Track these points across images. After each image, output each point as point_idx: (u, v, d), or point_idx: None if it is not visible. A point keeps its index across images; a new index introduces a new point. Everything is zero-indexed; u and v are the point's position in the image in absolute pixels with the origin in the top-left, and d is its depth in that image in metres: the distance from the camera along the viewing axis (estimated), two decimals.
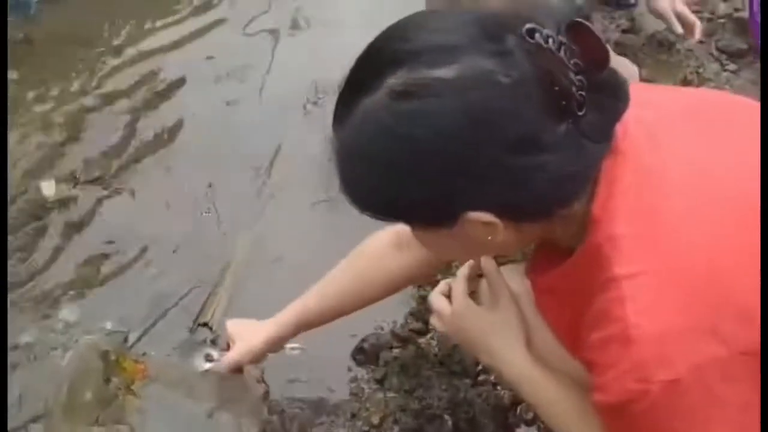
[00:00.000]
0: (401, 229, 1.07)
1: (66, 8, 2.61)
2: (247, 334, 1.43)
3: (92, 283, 1.79)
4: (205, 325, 1.70)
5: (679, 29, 2.14)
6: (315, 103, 2.27)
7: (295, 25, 2.61)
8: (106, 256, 1.85)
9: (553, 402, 1.05)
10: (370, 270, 1.34)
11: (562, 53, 0.77)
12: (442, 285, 1.16)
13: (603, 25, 2.42)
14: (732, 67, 2.31)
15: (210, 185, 2.02)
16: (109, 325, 1.67)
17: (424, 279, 1.56)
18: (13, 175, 2.00)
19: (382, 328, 1.67)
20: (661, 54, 2.35)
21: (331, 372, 1.61)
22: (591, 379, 0.86)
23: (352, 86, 0.82)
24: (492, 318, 1.09)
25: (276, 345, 1.43)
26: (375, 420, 1.50)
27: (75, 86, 2.31)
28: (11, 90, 2.27)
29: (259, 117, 2.25)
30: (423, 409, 1.50)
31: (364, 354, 1.63)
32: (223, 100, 2.31)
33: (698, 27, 2.14)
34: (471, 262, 1.13)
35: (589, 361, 0.86)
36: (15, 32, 2.44)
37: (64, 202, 1.96)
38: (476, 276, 1.14)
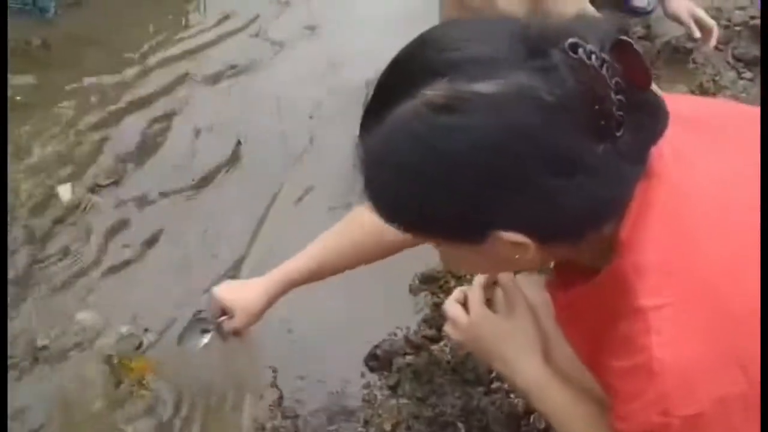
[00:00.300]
0: None
1: (85, 12, 2.62)
2: (241, 300, 1.44)
3: (110, 287, 1.80)
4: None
5: (697, 33, 2.13)
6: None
7: (309, 30, 2.62)
8: (125, 260, 1.86)
9: (565, 411, 1.05)
10: (367, 243, 1.34)
11: (604, 70, 0.74)
12: (457, 293, 1.16)
13: None
14: (748, 74, 2.30)
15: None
16: (124, 330, 1.68)
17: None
18: (29, 179, 2.01)
19: (395, 335, 1.68)
20: (677, 62, 2.34)
21: (345, 378, 1.61)
22: (611, 403, 0.86)
23: (384, 93, 0.80)
24: (507, 326, 1.10)
25: (270, 303, 1.44)
26: (387, 426, 1.51)
27: (93, 91, 2.32)
28: (28, 94, 2.28)
29: (276, 122, 2.25)
30: (436, 417, 1.50)
31: (378, 360, 1.63)
32: (239, 105, 2.31)
33: (716, 31, 2.13)
34: None
35: (611, 387, 0.86)
36: (33, 36, 2.46)
37: (80, 206, 1.97)
38: (491, 284, 1.14)
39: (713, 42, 2.14)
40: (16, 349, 1.65)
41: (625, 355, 0.82)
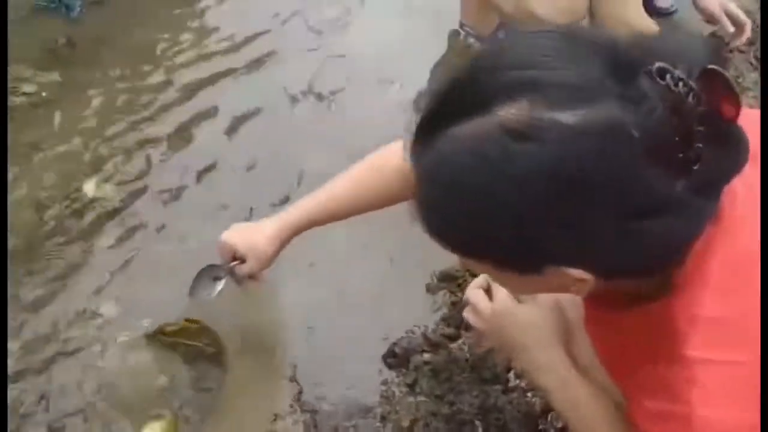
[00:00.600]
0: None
1: (110, 11, 2.64)
2: (253, 244, 1.40)
3: (132, 280, 1.82)
4: None
5: (731, 28, 2.10)
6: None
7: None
8: (148, 255, 1.88)
9: (583, 406, 1.05)
10: (393, 181, 1.28)
11: (690, 98, 0.68)
12: (481, 279, 1.12)
13: None
14: None
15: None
16: (146, 323, 1.70)
17: None
18: (54, 176, 2.05)
19: (413, 332, 1.68)
20: None
21: (362, 374, 1.62)
22: None
23: (447, 108, 0.73)
24: (532, 317, 1.08)
25: (283, 246, 1.41)
26: (405, 423, 1.51)
27: (117, 89, 2.35)
28: (53, 91, 2.31)
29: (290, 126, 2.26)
30: (453, 414, 1.51)
31: (396, 357, 1.64)
32: (258, 114, 2.29)
33: (749, 27, 2.10)
34: None
35: (640, 424, 0.86)
36: (58, 34, 2.49)
37: (105, 202, 1.99)
38: None
39: (745, 37, 2.10)
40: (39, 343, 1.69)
41: (664, 397, 0.81)
